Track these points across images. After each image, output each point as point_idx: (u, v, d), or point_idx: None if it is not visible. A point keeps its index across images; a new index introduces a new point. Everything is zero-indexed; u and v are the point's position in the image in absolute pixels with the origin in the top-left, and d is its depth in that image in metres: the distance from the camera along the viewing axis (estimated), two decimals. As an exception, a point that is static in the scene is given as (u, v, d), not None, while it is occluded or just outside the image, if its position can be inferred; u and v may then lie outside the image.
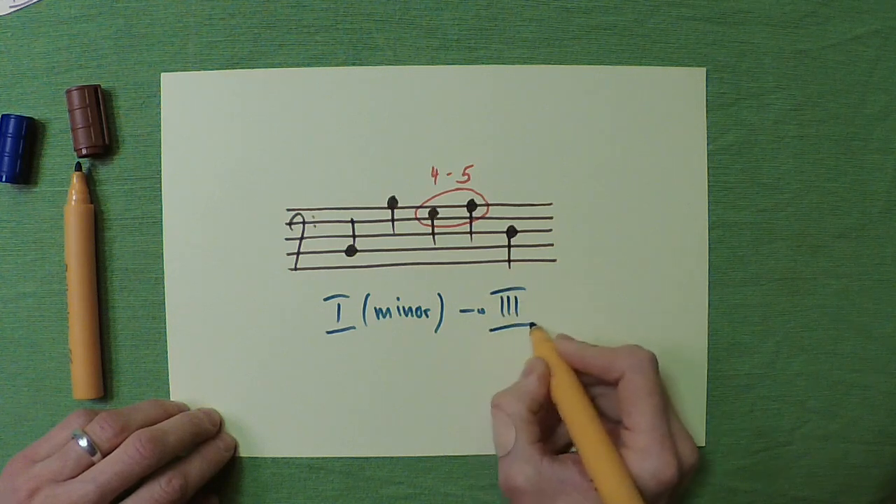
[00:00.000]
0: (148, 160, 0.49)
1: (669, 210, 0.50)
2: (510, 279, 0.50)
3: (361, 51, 0.50)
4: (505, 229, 0.50)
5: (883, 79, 0.51)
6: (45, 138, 0.49)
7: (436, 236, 0.50)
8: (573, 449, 0.48)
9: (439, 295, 0.50)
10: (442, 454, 0.50)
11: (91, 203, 0.49)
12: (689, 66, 0.50)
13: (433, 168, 0.50)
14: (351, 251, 0.50)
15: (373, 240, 0.50)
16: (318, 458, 0.50)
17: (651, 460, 0.42)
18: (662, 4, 0.50)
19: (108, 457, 0.42)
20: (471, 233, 0.50)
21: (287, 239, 0.50)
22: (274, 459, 0.50)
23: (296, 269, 0.50)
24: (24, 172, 0.49)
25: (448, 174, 0.50)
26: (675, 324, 0.50)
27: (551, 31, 0.50)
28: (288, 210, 0.49)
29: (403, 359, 0.50)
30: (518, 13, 0.50)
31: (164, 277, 0.49)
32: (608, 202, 0.50)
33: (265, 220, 0.49)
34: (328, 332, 0.50)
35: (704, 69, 0.50)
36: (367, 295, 0.50)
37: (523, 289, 0.50)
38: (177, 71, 0.49)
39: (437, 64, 0.50)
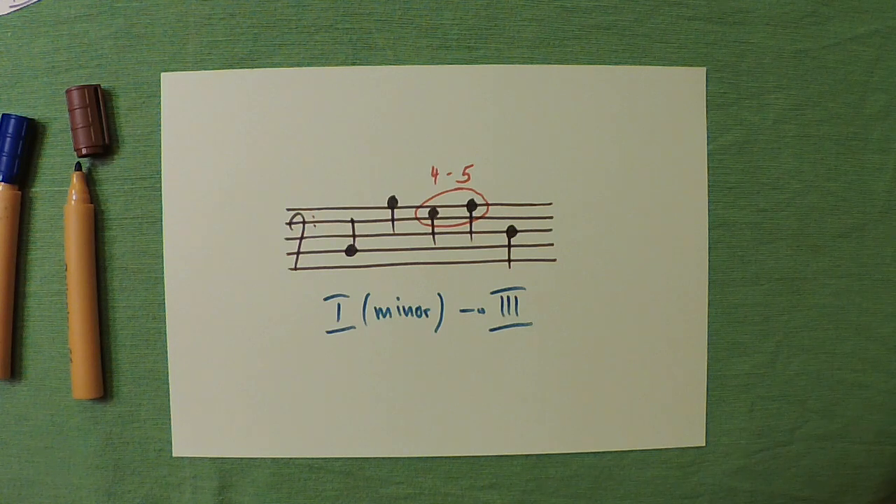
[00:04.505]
0: (148, 160, 0.49)
1: (669, 210, 0.50)
2: (510, 279, 0.50)
3: (361, 51, 0.50)
4: (505, 229, 0.50)
5: (883, 79, 0.51)
6: (45, 138, 0.49)
7: (436, 236, 0.50)
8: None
9: (439, 295, 0.50)
10: (442, 454, 0.50)
11: (91, 203, 0.49)
12: (689, 65, 0.50)
13: (433, 168, 0.50)
14: (351, 251, 0.50)
15: (373, 239, 0.50)
16: (318, 459, 0.50)
17: None
18: (662, 4, 0.50)
19: None
20: (471, 233, 0.50)
21: (287, 239, 0.49)
22: (274, 459, 0.50)
23: (296, 268, 0.50)
24: (24, 172, 0.49)
25: (448, 174, 0.50)
26: (675, 324, 0.50)
27: (551, 31, 0.50)
28: (288, 210, 0.49)
29: (403, 359, 0.50)
30: (518, 13, 0.50)
31: (164, 277, 0.49)
32: (608, 202, 0.50)
33: (265, 220, 0.49)
34: (328, 332, 0.50)
35: (704, 69, 0.50)
36: (367, 295, 0.50)
37: (523, 289, 0.50)
38: (177, 71, 0.49)
39: (437, 64, 0.50)
